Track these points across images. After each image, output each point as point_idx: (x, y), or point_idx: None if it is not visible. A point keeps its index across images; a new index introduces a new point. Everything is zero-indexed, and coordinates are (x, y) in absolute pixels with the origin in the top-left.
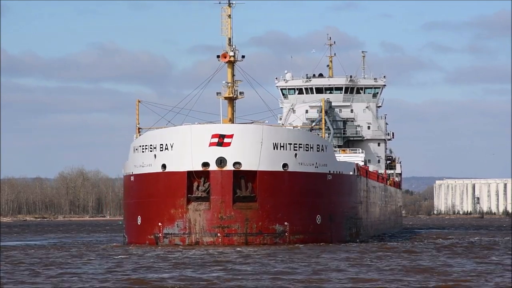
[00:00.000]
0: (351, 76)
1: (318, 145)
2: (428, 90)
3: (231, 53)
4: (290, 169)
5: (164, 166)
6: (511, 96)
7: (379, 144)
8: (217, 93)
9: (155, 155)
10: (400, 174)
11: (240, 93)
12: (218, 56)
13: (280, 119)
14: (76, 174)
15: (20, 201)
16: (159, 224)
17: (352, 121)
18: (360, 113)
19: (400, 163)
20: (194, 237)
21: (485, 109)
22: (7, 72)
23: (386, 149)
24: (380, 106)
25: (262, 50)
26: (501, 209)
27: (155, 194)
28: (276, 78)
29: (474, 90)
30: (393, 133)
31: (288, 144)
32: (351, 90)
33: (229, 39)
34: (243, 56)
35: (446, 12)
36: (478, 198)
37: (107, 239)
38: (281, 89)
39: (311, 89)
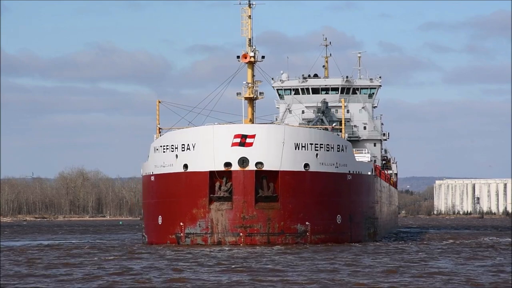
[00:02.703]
0: (347, 77)
1: (338, 145)
2: (427, 90)
3: (251, 54)
4: (311, 169)
5: (186, 166)
6: (510, 96)
7: (375, 145)
8: (237, 94)
9: (176, 155)
10: (396, 174)
11: (260, 93)
12: (238, 57)
13: (276, 119)
14: (76, 174)
15: (20, 201)
16: (181, 224)
17: (348, 121)
18: (356, 114)
19: (395, 163)
20: (217, 237)
21: (483, 109)
22: (5, 72)
23: (382, 149)
24: (376, 107)
25: (259, 50)
26: (501, 209)
27: (176, 194)
28: (272, 79)
29: (472, 90)
30: (388, 133)
31: (310, 144)
32: (347, 90)
33: (249, 39)
34: (263, 57)
35: (443, 12)
36: (478, 198)
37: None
38: (277, 90)
39: (307, 89)
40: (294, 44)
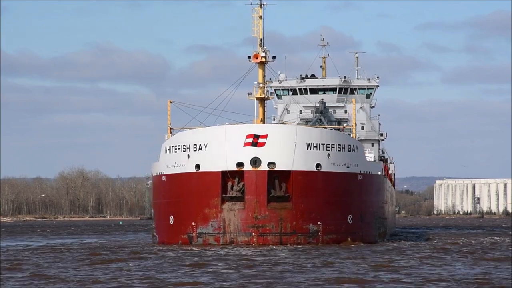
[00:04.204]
0: (344, 77)
1: (349, 145)
2: (426, 90)
3: (262, 54)
4: (323, 169)
5: (198, 166)
6: (510, 95)
7: (372, 145)
8: (248, 94)
9: (188, 155)
10: (394, 174)
11: (271, 93)
12: (249, 57)
13: (274, 119)
14: (76, 174)
15: (20, 201)
16: (193, 223)
17: (346, 121)
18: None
19: (393, 163)
20: (229, 237)
21: (483, 109)
22: (5, 72)
23: (379, 149)
24: (374, 107)
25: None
26: (501, 209)
27: (188, 194)
28: (270, 79)
29: (472, 90)
30: (386, 133)
31: (321, 144)
32: (344, 90)
33: (260, 40)
34: (273, 57)
35: (442, 12)
36: (478, 198)
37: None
38: (275, 90)
39: (305, 89)
40: (292, 44)
